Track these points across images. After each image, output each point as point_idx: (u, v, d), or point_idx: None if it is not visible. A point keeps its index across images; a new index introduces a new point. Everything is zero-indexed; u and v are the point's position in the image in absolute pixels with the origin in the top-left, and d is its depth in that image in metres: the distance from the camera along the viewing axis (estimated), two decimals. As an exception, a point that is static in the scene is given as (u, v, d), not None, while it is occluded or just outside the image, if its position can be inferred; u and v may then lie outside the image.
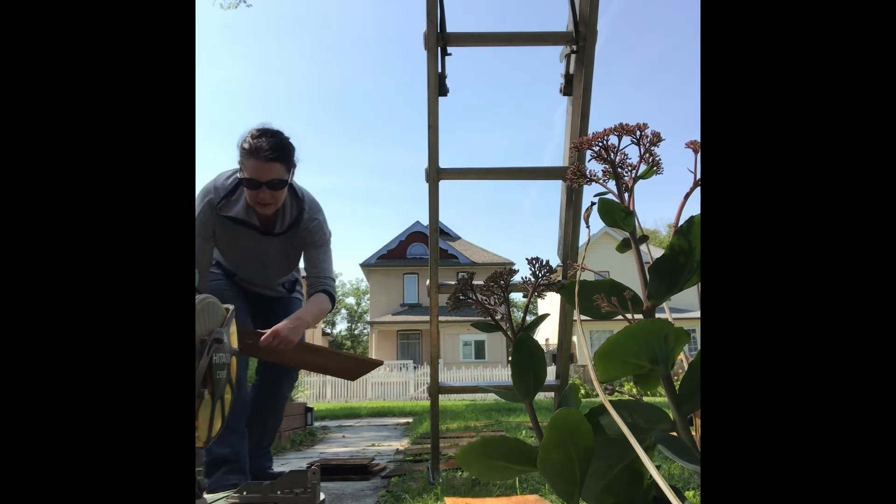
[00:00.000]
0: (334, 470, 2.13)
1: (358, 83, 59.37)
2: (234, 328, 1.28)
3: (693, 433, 0.58)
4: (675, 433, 0.58)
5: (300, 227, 1.91)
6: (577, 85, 1.58)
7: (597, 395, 3.32)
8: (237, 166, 1.85)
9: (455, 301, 0.72)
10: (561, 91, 1.64)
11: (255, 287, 2.08)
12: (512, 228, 58.91)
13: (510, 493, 1.49)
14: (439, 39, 1.53)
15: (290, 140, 1.83)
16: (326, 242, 1.95)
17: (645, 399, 0.63)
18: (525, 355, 0.68)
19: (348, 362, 2.05)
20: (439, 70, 1.55)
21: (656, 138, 0.60)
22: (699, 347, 0.48)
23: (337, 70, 60.29)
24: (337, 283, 2.20)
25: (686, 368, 0.59)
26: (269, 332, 1.70)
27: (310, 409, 4.32)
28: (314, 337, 18.36)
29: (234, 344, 1.28)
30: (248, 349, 1.74)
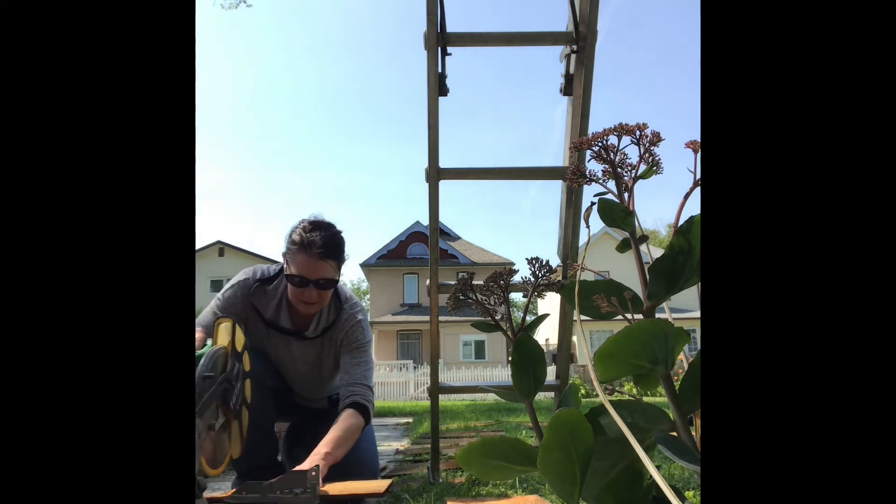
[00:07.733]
0: (334, 470, 2.13)
1: (358, 83, 59.49)
2: (246, 356, 1.28)
3: (693, 433, 0.58)
4: (675, 433, 0.58)
5: (337, 328, 1.71)
6: (577, 85, 1.58)
7: (597, 395, 3.32)
8: (281, 261, 1.66)
9: (455, 301, 0.72)
10: (561, 91, 1.64)
11: (296, 399, 1.86)
12: (512, 228, 59.02)
13: (510, 493, 1.49)
14: (439, 39, 1.52)
15: (342, 234, 1.65)
16: (365, 346, 1.71)
17: (645, 399, 0.63)
18: (525, 355, 0.68)
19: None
20: (439, 70, 1.55)
21: (656, 138, 0.60)
22: (699, 347, 0.48)
23: (337, 70, 60.39)
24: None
25: (686, 368, 0.59)
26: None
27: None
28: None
29: (247, 367, 1.28)
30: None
